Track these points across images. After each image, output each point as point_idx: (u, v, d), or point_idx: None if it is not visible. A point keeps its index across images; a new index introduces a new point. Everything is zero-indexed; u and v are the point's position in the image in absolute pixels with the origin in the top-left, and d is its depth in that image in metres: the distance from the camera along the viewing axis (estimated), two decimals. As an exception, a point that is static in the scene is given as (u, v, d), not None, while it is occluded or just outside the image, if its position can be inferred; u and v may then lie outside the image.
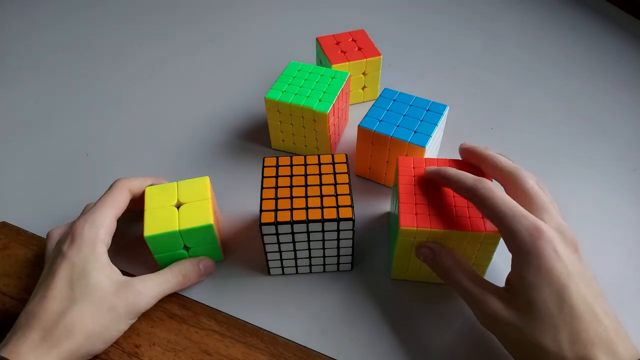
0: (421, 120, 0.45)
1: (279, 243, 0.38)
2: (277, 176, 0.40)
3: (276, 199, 0.38)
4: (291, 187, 0.39)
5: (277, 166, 0.41)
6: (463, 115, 0.56)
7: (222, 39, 0.71)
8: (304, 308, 0.40)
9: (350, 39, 0.57)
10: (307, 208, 0.37)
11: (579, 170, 0.51)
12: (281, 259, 0.40)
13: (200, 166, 0.52)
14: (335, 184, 0.39)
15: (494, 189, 0.33)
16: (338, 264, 0.41)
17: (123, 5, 0.79)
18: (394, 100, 0.48)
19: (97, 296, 0.34)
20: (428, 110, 0.47)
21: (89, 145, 0.55)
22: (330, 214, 0.37)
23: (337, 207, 0.37)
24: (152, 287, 0.37)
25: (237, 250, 0.44)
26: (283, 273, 0.42)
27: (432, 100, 0.48)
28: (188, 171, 0.51)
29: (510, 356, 0.33)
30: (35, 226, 0.46)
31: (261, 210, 0.37)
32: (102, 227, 0.37)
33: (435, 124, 0.45)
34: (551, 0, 0.77)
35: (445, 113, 0.47)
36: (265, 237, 0.37)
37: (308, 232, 0.37)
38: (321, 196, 0.38)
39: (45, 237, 0.45)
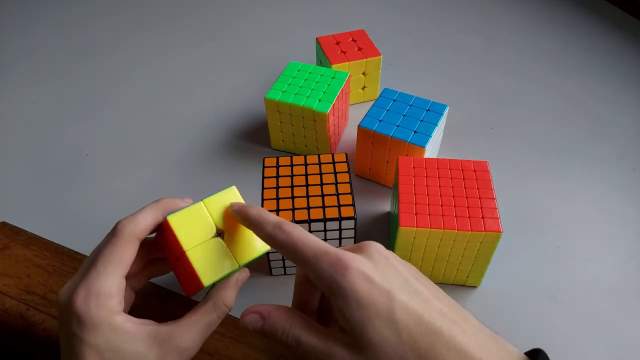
0: (421, 120, 0.45)
1: None
2: (277, 176, 0.40)
3: (277, 199, 0.38)
4: (292, 187, 0.39)
5: (277, 166, 0.41)
6: (463, 115, 0.56)
7: (222, 39, 0.71)
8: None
9: (350, 39, 0.57)
10: (308, 208, 0.37)
11: (579, 170, 0.51)
12: (283, 259, 0.40)
13: (200, 166, 0.52)
14: (336, 183, 0.39)
15: (294, 230, 0.29)
16: None
17: (123, 6, 0.79)
18: (394, 100, 0.48)
19: None
20: (428, 110, 0.47)
21: (89, 145, 0.55)
22: (332, 213, 0.37)
23: (339, 206, 0.37)
24: (197, 337, 0.32)
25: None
26: (285, 273, 0.42)
27: (432, 100, 0.48)
28: (188, 171, 0.51)
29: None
30: (35, 226, 0.46)
31: None
32: (110, 299, 0.30)
33: (435, 124, 0.45)
34: (551, 1, 0.77)
35: (445, 113, 0.47)
36: None
37: (310, 232, 0.37)
38: (322, 195, 0.38)
39: (45, 237, 0.45)
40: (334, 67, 0.53)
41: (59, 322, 0.31)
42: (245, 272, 0.34)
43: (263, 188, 0.39)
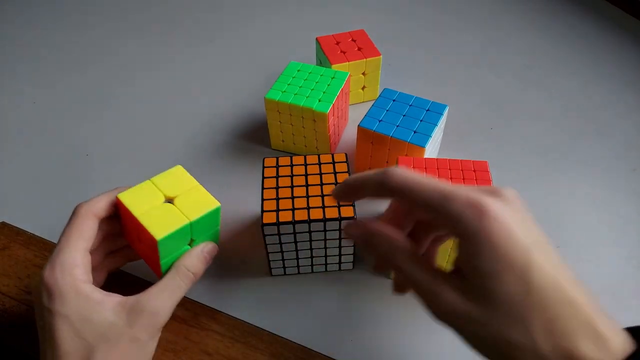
0: (421, 120, 0.45)
1: (280, 243, 0.38)
2: (277, 176, 0.40)
3: (277, 199, 0.38)
4: (292, 187, 0.39)
5: (277, 166, 0.41)
6: (463, 115, 0.56)
7: (222, 39, 0.71)
8: (304, 308, 0.40)
9: (350, 39, 0.57)
10: (308, 208, 0.37)
11: (579, 170, 0.51)
12: (283, 259, 0.40)
13: (200, 166, 0.52)
14: (336, 183, 0.39)
15: (405, 172, 0.27)
16: (340, 263, 0.41)
17: (122, 5, 0.79)
18: (393, 100, 0.48)
19: (111, 335, 0.31)
20: (428, 110, 0.47)
21: (89, 145, 0.55)
22: (332, 213, 0.37)
23: (339, 206, 0.37)
24: (165, 301, 0.33)
25: (238, 250, 0.44)
26: (285, 273, 0.42)
27: (432, 100, 0.48)
28: (188, 170, 0.51)
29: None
30: (35, 226, 0.46)
31: (263, 211, 0.37)
32: (74, 268, 0.32)
33: (435, 124, 0.45)
34: (551, 0, 0.77)
35: (445, 113, 0.47)
36: (267, 238, 0.37)
37: (310, 232, 0.37)
38: (322, 196, 0.38)
39: (45, 237, 0.45)
40: (334, 67, 0.53)
41: (36, 310, 0.33)
42: (212, 245, 0.36)
43: (263, 188, 0.39)
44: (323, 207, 0.37)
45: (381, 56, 0.54)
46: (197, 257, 0.36)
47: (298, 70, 0.51)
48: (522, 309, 0.24)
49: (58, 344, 0.30)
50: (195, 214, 0.34)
